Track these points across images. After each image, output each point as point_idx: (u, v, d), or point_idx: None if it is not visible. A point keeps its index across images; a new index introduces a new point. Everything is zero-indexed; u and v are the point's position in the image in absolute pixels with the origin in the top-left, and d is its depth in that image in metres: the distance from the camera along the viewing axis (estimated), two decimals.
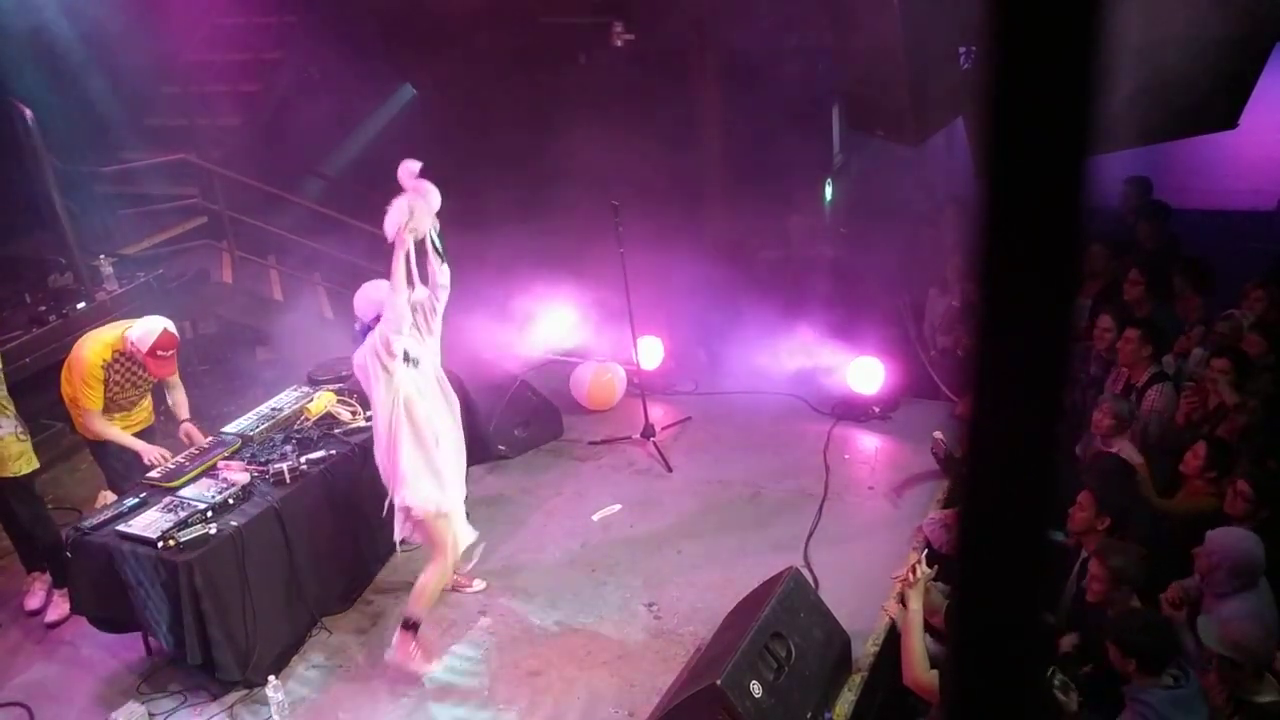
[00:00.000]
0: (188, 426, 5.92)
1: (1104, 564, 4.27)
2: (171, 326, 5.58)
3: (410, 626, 5.21)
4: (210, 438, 5.92)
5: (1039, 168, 0.68)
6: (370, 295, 4.96)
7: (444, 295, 5.10)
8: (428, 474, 5.05)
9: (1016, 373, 0.71)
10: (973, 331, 0.70)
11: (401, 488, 5.03)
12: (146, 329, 5.49)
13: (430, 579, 5.23)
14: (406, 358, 4.89)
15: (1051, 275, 0.69)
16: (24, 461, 5.61)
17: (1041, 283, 0.69)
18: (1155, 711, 3.76)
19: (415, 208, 4.87)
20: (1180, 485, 5.24)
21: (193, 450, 5.76)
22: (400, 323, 4.82)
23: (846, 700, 4.82)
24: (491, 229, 8.00)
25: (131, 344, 5.50)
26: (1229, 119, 6.14)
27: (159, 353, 5.50)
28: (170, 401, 6.01)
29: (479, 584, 5.92)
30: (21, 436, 5.59)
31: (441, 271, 5.07)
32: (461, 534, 5.40)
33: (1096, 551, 4.36)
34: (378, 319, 4.87)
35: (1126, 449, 5.33)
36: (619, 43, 8.11)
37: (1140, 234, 7.39)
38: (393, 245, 4.81)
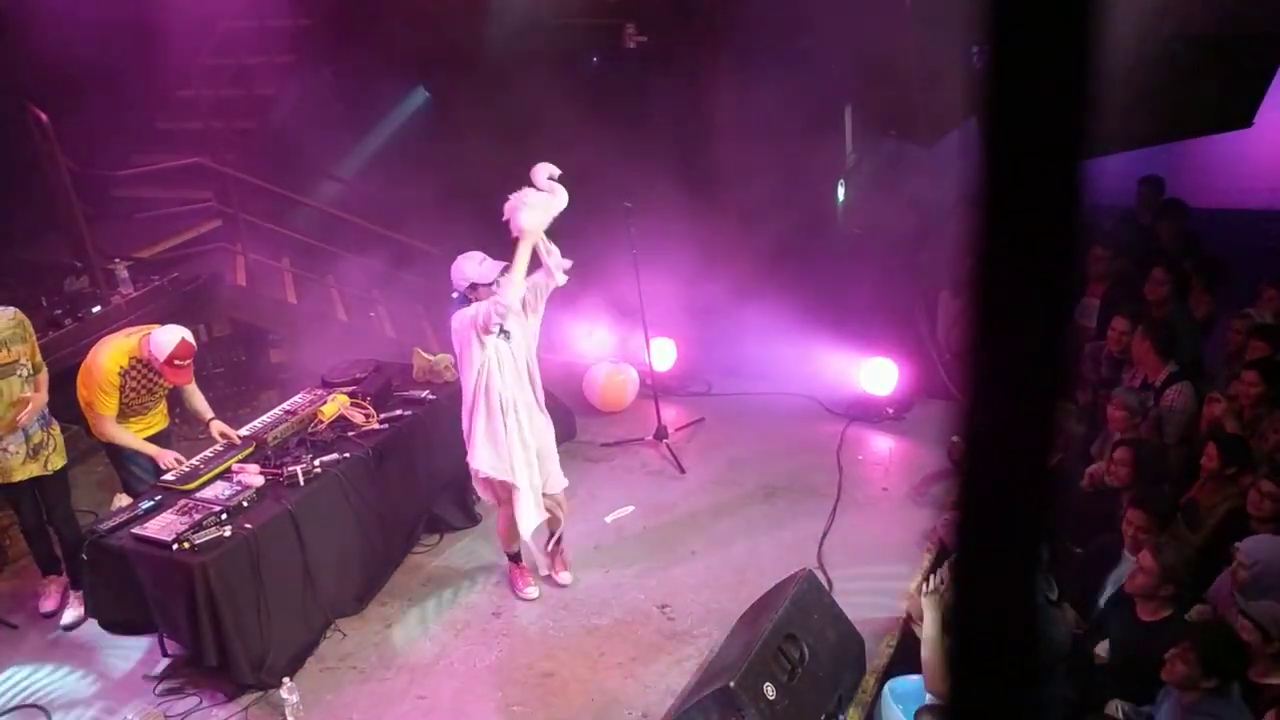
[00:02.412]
0: (219, 425, 5.92)
1: (1156, 559, 4.23)
2: (189, 336, 5.59)
3: (513, 558, 5.84)
4: (223, 441, 5.93)
5: (1033, 169, 0.67)
6: (464, 269, 5.30)
7: (559, 280, 5.43)
8: (488, 440, 5.36)
9: (1012, 373, 0.71)
10: (971, 332, 0.70)
11: (470, 449, 5.45)
12: (164, 338, 5.49)
13: (502, 522, 5.70)
14: (502, 330, 5.26)
15: (1047, 275, 0.68)
16: (61, 455, 5.79)
17: (1038, 283, 0.69)
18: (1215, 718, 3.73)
19: (550, 206, 5.36)
20: (1200, 510, 5.20)
21: (208, 453, 5.79)
22: (509, 310, 5.16)
23: (860, 703, 4.80)
24: (503, 229, 8.01)
25: (149, 352, 5.51)
26: (1245, 118, 6.11)
27: (176, 361, 5.50)
28: (189, 407, 6.02)
29: (565, 577, 5.96)
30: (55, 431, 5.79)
31: (556, 257, 5.42)
32: (525, 515, 5.49)
33: (1151, 545, 4.32)
34: (472, 288, 5.27)
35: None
36: (632, 44, 8.11)
37: (1161, 233, 7.36)
38: (517, 236, 5.25)
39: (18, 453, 5.52)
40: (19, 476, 5.57)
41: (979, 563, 0.78)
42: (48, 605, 5.98)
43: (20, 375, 5.47)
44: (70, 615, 5.86)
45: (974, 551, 0.79)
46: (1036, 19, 0.65)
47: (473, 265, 5.31)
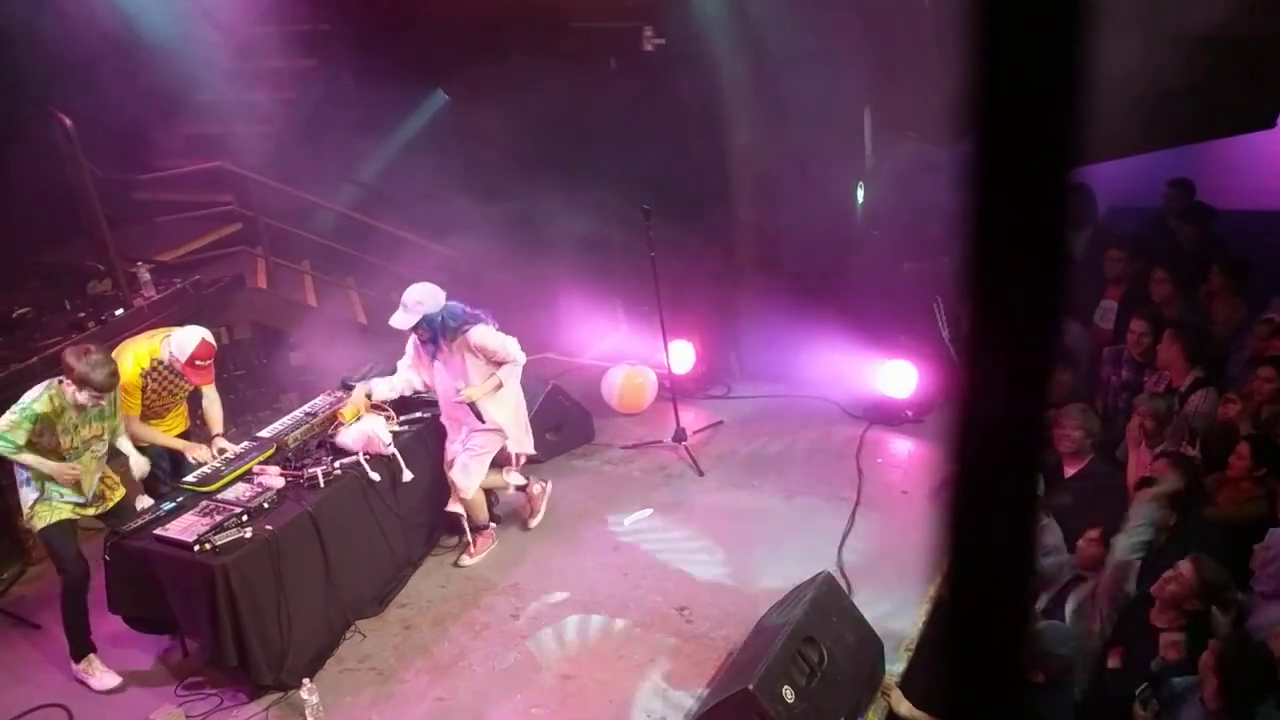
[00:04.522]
0: (220, 442, 5.93)
1: (1197, 571, 4.20)
2: (209, 336, 5.63)
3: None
4: (245, 444, 5.97)
5: (1019, 178, 0.68)
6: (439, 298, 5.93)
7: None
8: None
9: (1004, 378, 0.71)
10: (966, 337, 0.71)
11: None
12: (185, 339, 5.54)
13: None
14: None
15: (1035, 282, 0.69)
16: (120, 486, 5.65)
17: (1026, 290, 0.69)
18: None
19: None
20: (1224, 493, 5.17)
21: (228, 455, 5.82)
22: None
23: (879, 706, 4.79)
24: (522, 233, 8.03)
25: (170, 353, 5.55)
26: (1267, 118, 6.07)
27: (197, 362, 5.55)
28: (205, 412, 6.05)
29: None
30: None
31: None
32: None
33: (1194, 556, 4.30)
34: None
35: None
36: (649, 47, 8.11)
37: (1180, 236, 7.30)
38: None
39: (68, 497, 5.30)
40: (60, 516, 5.27)
41: (973, 568, 0.79)
42: (108, 681, 5.49)
43: (96, 452, 5.33)
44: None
45: (967, 556, 0.79)
46: (1023, 28, 0.66)
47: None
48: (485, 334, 5.84)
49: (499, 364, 5.90)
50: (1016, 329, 0.70)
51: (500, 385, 5.95)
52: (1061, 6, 0.64)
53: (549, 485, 6.66)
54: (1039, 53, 0.65)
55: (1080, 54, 0.64)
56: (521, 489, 6.51)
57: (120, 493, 5.60)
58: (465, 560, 6.25)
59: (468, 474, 6.05)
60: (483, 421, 6.00)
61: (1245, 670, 3.78)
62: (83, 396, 5.04)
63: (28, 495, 5.26)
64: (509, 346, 5.91)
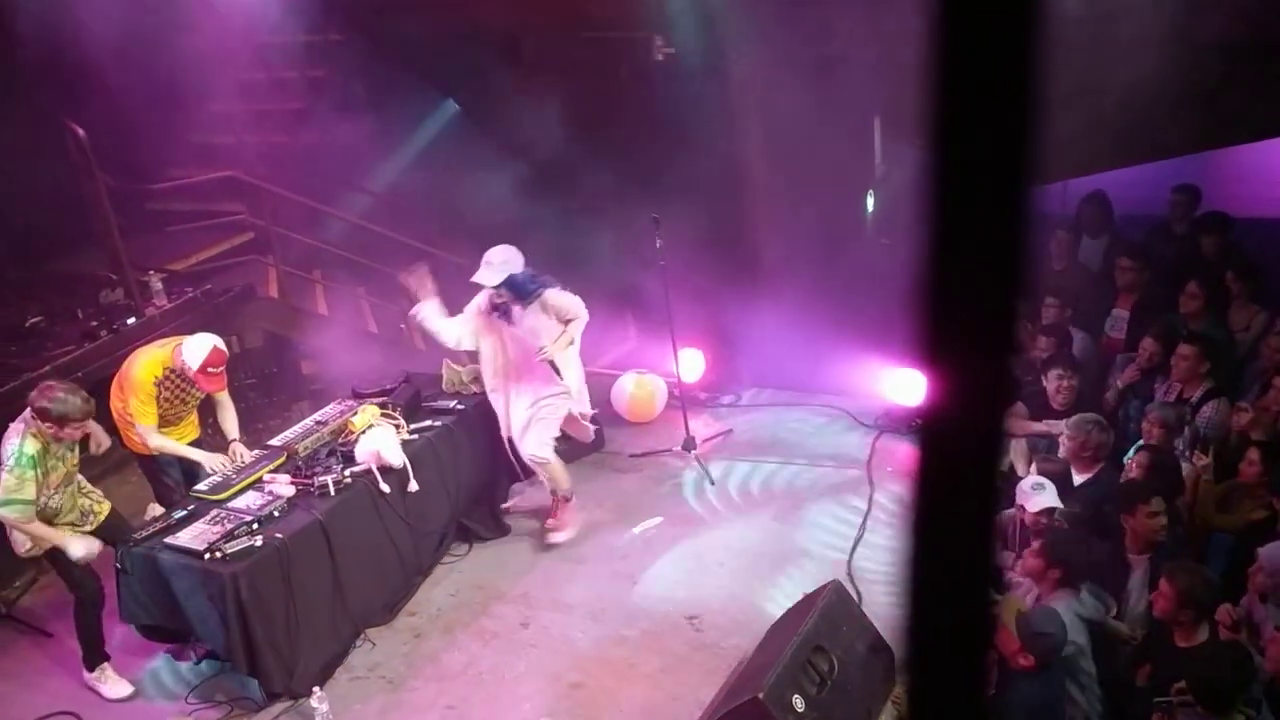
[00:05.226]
0: (237, 445, 5.97)
1: (1172, 584, 4.17)
2: (221, 343, 5.64)
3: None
4: (255, 452, 5.98)
5: (978, 189, 0.68)
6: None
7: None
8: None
9: (960, 387, 0.71)
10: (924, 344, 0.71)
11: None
12: (196, 346, 5.55)
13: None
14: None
15: (992, 292, 0.69)
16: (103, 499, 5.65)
17: (982, 299, 0.69)
18: None
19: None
20: (1235, 500, 5.15)
21: (239, 463, 5.83)
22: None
23: (890, 715, 4.77)
24: (533, 241, 8.04)
25: (182, 361, 5.55)
26: (1277, 125, 6.05)
27: (209, 369, 5.56)
28: (219, 419, 6.06)
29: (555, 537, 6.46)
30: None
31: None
32: None
33: (1167, 570, 4.27)
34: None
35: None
36: (660, 57, 8.12)
37: (1203, 246, 7.26)
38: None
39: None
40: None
41: (931, 568, 0.79)
42: (120, 690, 5.52)
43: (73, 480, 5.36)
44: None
45: (925, 555, 0.79)
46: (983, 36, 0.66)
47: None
48: (559, 295, 6.11)
49: (567, 322, 6.13)
50: (973, 342, 0.70)
51: (572, 340, 6.19)
52: (1031, 17, 0.64)
53: (579, 516, 6.62)
54: (998, 65, 0.65)
55: (1037, 68, 0.64)
56: (566, 498, 6.50)
57: (106, 505, 5.59)
58: (556, 536, 6.37)
59: (540, 441, 6.24)
60: (560, 378, 6.18)
61: (1216, 680, 3.78)
62: (66, 433, 5.02)
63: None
64: (576, 305, 6.15)
